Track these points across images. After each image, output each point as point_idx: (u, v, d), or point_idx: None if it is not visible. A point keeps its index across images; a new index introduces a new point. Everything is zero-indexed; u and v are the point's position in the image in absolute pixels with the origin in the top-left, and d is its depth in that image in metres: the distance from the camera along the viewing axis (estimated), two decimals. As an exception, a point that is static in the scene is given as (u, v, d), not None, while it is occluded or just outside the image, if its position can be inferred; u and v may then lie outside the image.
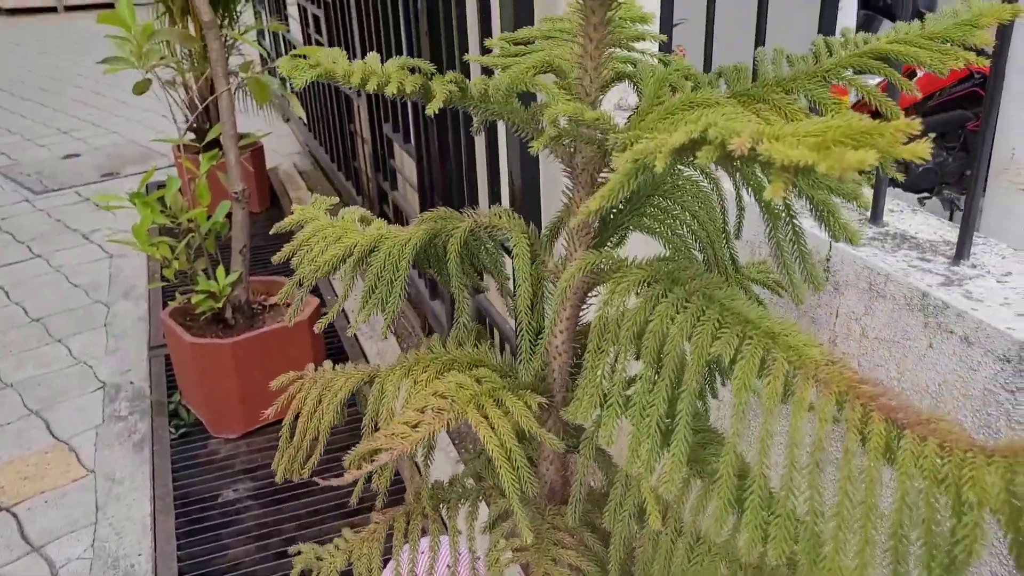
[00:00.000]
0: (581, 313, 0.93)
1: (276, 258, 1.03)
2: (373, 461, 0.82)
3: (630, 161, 0.61)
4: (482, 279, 1.07)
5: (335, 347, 3.12)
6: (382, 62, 2.61)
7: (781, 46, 0.91)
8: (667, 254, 0.93)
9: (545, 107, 0.74)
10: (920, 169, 4.00)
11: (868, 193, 1.47)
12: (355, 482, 0.92)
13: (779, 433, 1.41)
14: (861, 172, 0.51)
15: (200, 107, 3.86)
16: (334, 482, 0.78)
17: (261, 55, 3.75)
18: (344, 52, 0.84)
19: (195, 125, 4.16)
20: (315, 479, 0.91)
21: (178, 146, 4.13)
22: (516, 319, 0.89)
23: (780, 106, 0.82)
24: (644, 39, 0.98)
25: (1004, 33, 1.04)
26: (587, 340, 0.82)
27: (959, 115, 3.99)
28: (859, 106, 3.81)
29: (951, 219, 4.11)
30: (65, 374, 3.05)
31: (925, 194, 4.13)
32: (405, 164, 3.37)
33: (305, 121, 5.16)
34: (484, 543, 1.16)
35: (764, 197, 0.70)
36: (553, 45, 0.98)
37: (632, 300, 0.83)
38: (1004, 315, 1.14)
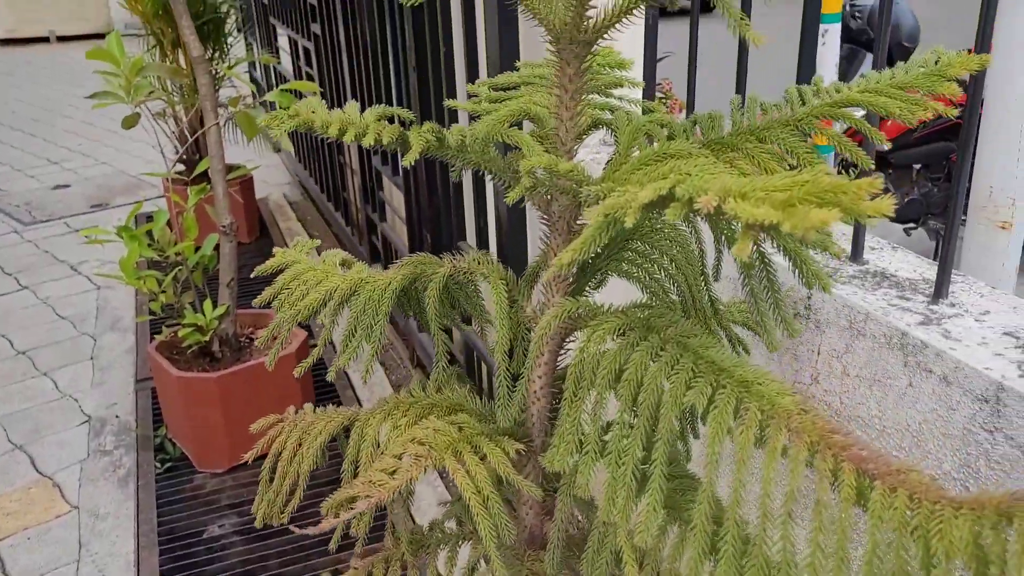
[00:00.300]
0: (560, 358, 0.93)
1: (257, 301, 1.03)
2: (352, 508, 0.82)
3: (601, 216, 0.62)
4: (469, 323, 1.07)
5: (323, 379, 3.12)
6: (371, 94, 2.61)
7: (755, 94, 0.92)
8: (645, 299, 0.93)
9: (521, 158, 0.75)
10: (906, 200, 4.04)
11: (849, 230, 1.48)
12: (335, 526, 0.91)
13: (757, 479, 1.42)
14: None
15: (190, 139, 3.88)
16: (311, 531, 0.78)
17: (252, 88, 3.79)
18: (323, 102, 0.85)
19: (185, 157, 4.18)
20: (291, 527, 0.91)
21: (167, 178, 4.15)
22: (489, 371, 0.90)
23: (753, 155, 0.83)
24: (622, 85, 0.99)
25: (976, 81, 1.06)
26: (564, 387, 0.82)
27: (943, 147, 4.04)
28: (849, 132, 3.85)
29: (937, 249, 4.14)
30: (50, 408, 3.03)
31: (911, 224, 4.17)
32: (394, 196, 3.38)
33: (295, 152, 5.19)
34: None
35: (732, 253, 0.71)
36: (532, 91, 0.99)
37: (609, 343, 0.83)
38: (981, 355, 1.14)
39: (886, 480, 0.64)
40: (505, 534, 0.82)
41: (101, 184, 5.60)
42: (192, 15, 3.07)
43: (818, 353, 1.38)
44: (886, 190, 4.10)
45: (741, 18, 0.66)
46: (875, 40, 1.21)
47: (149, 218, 3.11)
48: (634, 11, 0.78)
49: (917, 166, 4.11)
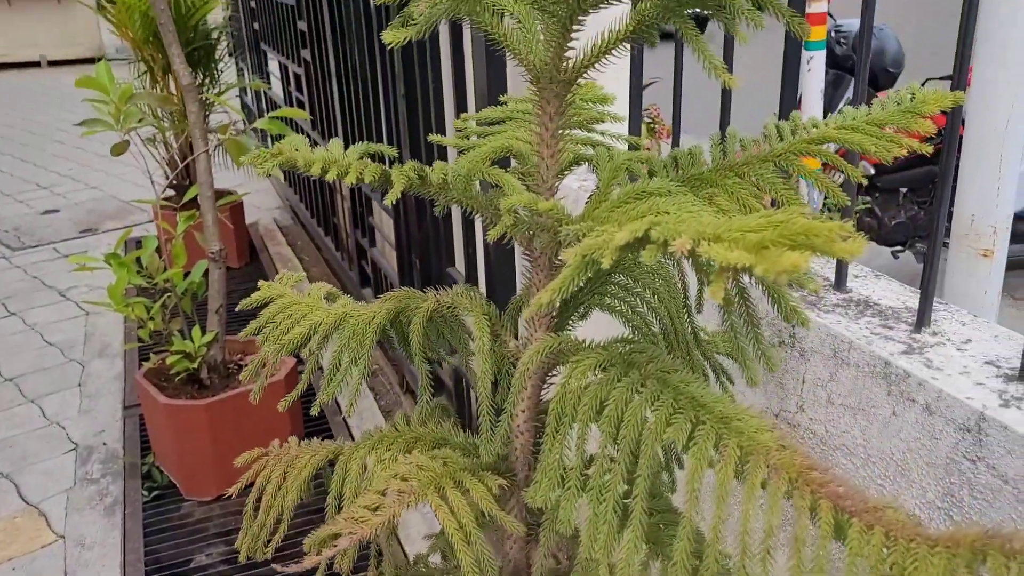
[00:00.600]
0: (543, 392, 0.94)
1: (243, 335, 1.03)
2: (335, 545, 0.82)
3: (579, 256, 0.63)
4: (454, 353, 1.08)
5: (310, 402, 3.10)
6: (361, 120, 2.62)
7: (734, 129, 0.93)
8: (628, 332, 0.94)
9: (502, 195, 0.76)
10: (893, 223, 4.07)
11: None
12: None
13: (738, 513, 1.42)
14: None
15: (180, 166, 3.88)
16: (293, 568, 0.78)
17: (242, 115, 3.80)
18: (306, 141, 0.86)
19: (175, 182, 4.18)
20: (275, 566, 0.91)
21: (156, 204, 4.15)
22: (479, 402, 0.90)
23: (732, 191, 0.84)
24: (604, 120, 1.00)
25: (953, 114, 1.08)
26: (546, 421, 0.83)
27: (929, 170, 4.07)
28: (842, 152, 3.88)
29: (924, 272, 4.16)
30: (37, 435, 3.01)
31: (899, 247, 4.20)
32: (384, 222, 3.39)
33: (284, 177, 5.20)
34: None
35: (708, 295, 0.72)
36: (516, 127, 1.00)
37: (591, 377, 0.84)
38: (963, 384, 1.15)
39: (863, 517, 0.65)
40: (488, 569, 0.82)
41: (91, 209, 5.60)
42: (182, 41, 3.09)
43: (803, 381, 1.38)
44: (872, 213, 4.13)
45: (717, 64, 0.68)
46: (857, 62, 1.23)
47: (138, 243, 3.11)
48: (613, 51, 0.79)
49: (904, 189, 4.14)
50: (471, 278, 2.34)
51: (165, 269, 2.69)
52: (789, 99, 1.45)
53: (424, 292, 1.02)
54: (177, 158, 4.09)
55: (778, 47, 1.35)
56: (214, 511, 2.58)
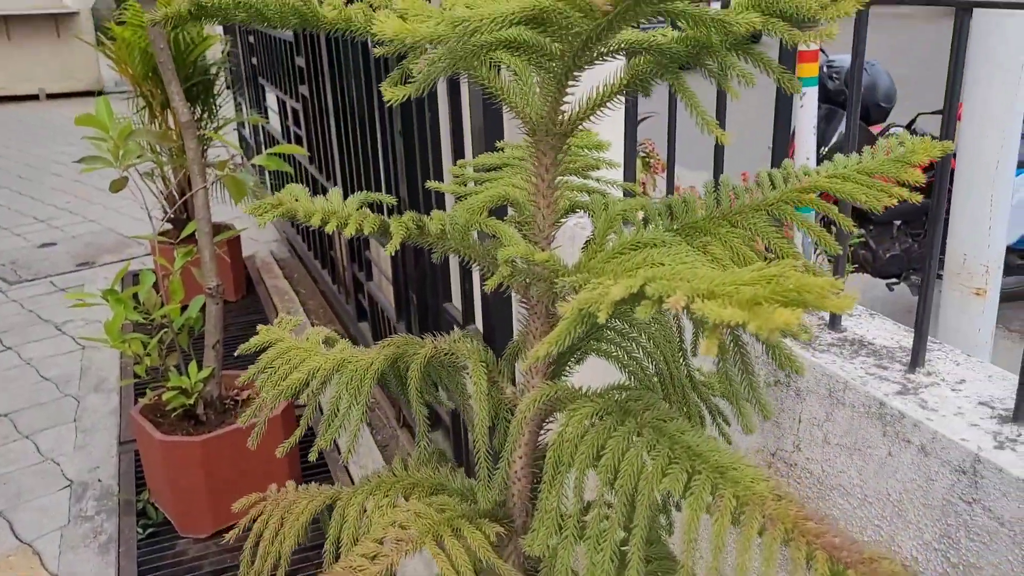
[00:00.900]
0: (539, 437, 0.94)
1: (241, 380, 1.04)
2: (332, 593, 0.82)
3: (575, 310, 0.64)
4: (451, 397, 1.08)
5: (308, 441, 3.10)
6: (358, 156, 2.63)
7: (727, 177, 0.95)
8: (624, 378, 0.95)
9: (499, 245, 0.77)
10: (887, 256, 4.09)
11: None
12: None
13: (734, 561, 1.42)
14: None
15: (179, 200, 3.90)
16: (291, 619, 0.78)
17: (240, 151, 3.82)
18: (306, 188, 0.87)
19: (173, 216, 4.20)
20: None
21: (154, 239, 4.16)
22: (474, 445, 0.91)
23: (725, 239, 0.85)
24: (599, 167, 1.02)
25: (943, 165, 1.09)
26: (544, 469, 0.83)
27: (923, 203, 4.10)
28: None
29: (918, 313, 4.18)
30: (32, 471, 3.00)
31: (893, 280, 4.22)
32: (381, 256, 3.41)
33: (283, 209, 5.20)
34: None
35: (700, 352, 0.73)
36: (513, 173, 1.01)
37: (588, 424, 0.84)
38: (958, 425, 1.16)
39: (859, 569, 0.65)
40: (486, 618, 0.82)
41: (88, 242, 5.61)
42: (181, 78, 3.12)
43: (799, 421, 1.39)
44: (867, 245, 4.15)
45: (710, 120, 0.69)
46: (849, 98, 1.25)
47: (135, 277, 3.11)
48: (608, 104, 0.81)
49: (897, 222, 4.17)
50: (468, 313, 2.35)
51: (162, 305, 2.70)
52: (782, 136, 1.47)
53: (422, 336, 1.03)
54: (175, 193, 4.11)
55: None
56: (209, 549, 2.56)
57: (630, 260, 0.74)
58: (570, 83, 0.76)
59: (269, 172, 5.39)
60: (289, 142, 4.64)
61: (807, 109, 3.29)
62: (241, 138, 6.53)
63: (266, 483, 1.14)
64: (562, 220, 0.89)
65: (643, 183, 3.53)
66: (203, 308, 2.72)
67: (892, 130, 4.09)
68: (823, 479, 1.36)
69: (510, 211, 0.95)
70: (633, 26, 0.72)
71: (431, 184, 1.06)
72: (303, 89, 4.00)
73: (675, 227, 0.88)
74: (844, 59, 4.25)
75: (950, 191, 1.88)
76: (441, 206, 2.38)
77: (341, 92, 3.34)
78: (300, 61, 3.92)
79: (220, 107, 4.45)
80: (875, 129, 4.15)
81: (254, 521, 1.06)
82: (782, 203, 0.86)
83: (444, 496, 0.92)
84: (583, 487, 0.82)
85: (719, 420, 1.12)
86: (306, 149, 4.13)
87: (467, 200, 0.87)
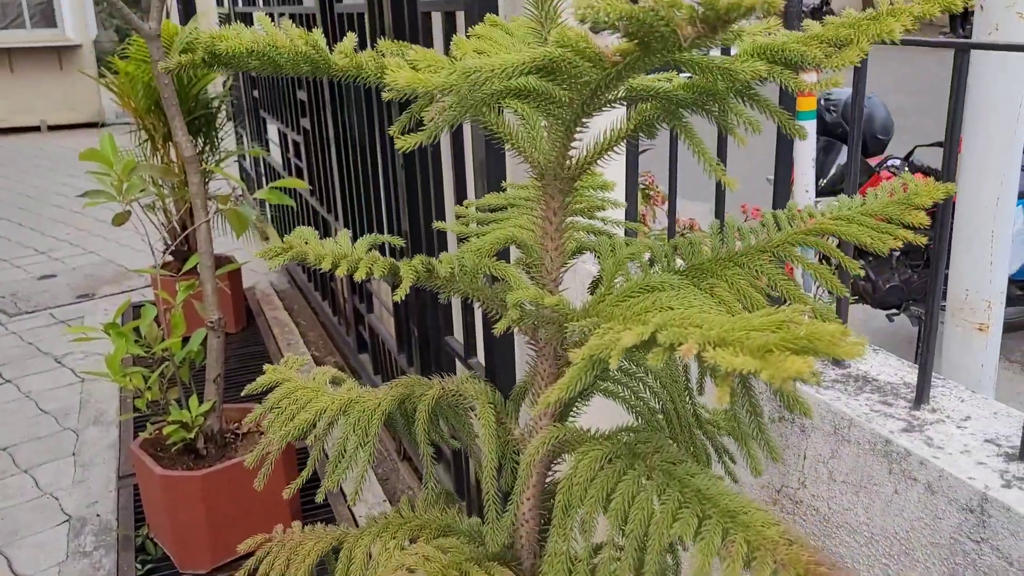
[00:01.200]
0: (547, 479, 0.94)
1: (248, 420, 1.04)
2: (339, 638, 0.81)
3: (586, 357, 0.64)
4: (456, 438, 1.08)
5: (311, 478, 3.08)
6: (359, 189, 2.64)
7: (732, 218, 0.96)
8: (631, 419, 0.95)
9: (508, 289, 0.78)
10: (887, 287, 4.10)
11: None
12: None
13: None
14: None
15: (181, 234, 3.91)
16: (299, 665, 0.77)
17: (242, 184, 3.83)
18: (316, 232, 0.88)
19: (174, 248, 4.21)
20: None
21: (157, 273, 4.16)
22: (482, 485, 0.91)
23: (732, 281, 0.86)
24: (605, 208, 1.02)
25: (945, 203, 1.10)
26: (552, 508, 0.83)
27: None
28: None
29: (919, 334, 4.18)
30: (30, 506, 2.98)
31: (893, 311, 4.22)
32: (381, 287, 3.41)
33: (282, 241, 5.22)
34: None
35: (713, 401, 0.73)
36: (519, 214, 1.02)
37: (597, 467, 0.84)
38: (964, 463, 1.16)
39: (872, 615, 0.65)
40: (495, 664, 0.81)
41: (88, 274, 5.61)
42: (184, 111, 3.14)
43: (804, 458, 1.39)
44: (866, 277, 4.16)
45: (716, 163, 0.70)
46: (849, 134, 1.26)
47: (135, 310, 3.11)
48: (615, 147, 0.82)
49: (897, 253, 4.18)
50: (469, 347, 2.35)
51: (163, 338, 2.70)
52: (783, 172, 1.48)
53: (424, 370, 1.03)
54: (177, 226, 4.13)
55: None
56: (208, 585, 2.54)
57: (639, 304, 0.74)
58: (578, 129, 0.77)
59: (270, 205, 5.41)
60: (290, 174, 4.66)
61: (805, 142, 3.31)
62: (242, 170, 6.56)
63: (267, 518, 1.14)
64: (569, 261, 0.89)
65: (643, 215, 3.55)
66: (204, 340, 2.72)
67: (890, 162, 4.11)
68: (829, 516, 1.35)
69: (517, 252, 0.96)
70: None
71: (438, 224, 1.07)
72: (305, 122, 4.03)
73: (681, 269, 0.89)
74: (841, 92, 4.28)
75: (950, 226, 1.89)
76: (444, 240, 2.39)
77: (343, 125, 3.36)
78: (302, 95, 3.95)
79: (222, 140, 4.48)
80: (873, 161, 4.18)
81: (260, 562, 1.05)
82: (787, 244, 0.87)
83: (452, 538, 0.91)
84: (592, 530, 0.82)
85: (725, 459, 1.12)
86: (307, 182, 4.15)
87: (475, 242, 0.88)
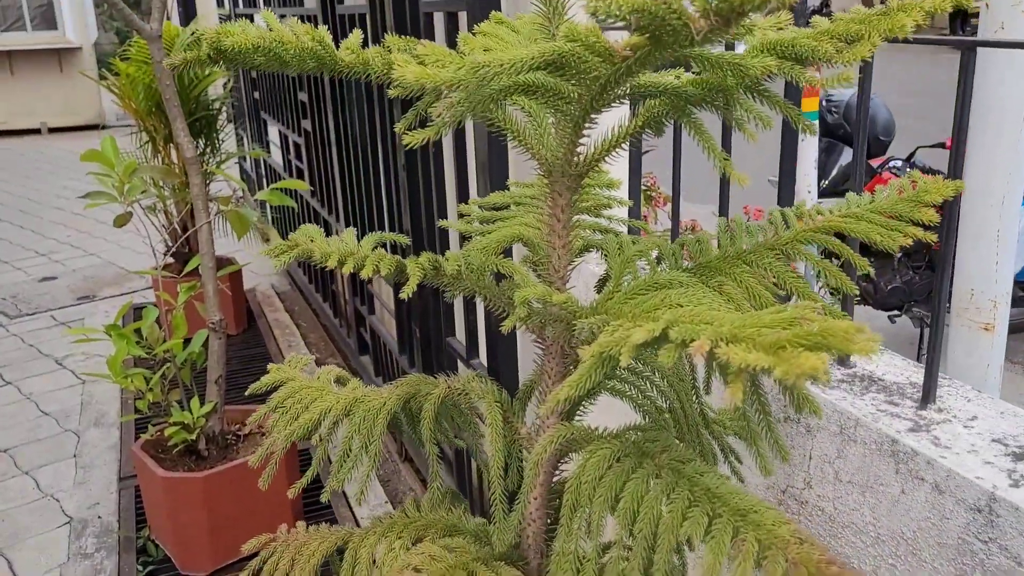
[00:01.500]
0: (555, 478, 0.94)
1: (252, 419, 1.03)
2: (345, 639, 0.81)
3: (596, 354, 0.63)
4: (461, 437, 1.07)
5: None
6: (361, 190, 2.63)
7: (739, 217, 0.95)
8: (638, 417, 0.94)
9: (515, 287, 0.77)
10: (889, 288, 4.09)
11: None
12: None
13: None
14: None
15: (182, 235, 3.91)
16: (305, 666, 0.77)
17: (243, 185, 3.82)
18: (321, 230, 0.87)
19: (175, 249, 4.20)
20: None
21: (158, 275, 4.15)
22: (489, 485, 0.90)
23: (740, 279, 0.85)
24: (611, 206, 1.02)
25: (952, 202, 1.10)
26: (560, 507, 0.82)
27: (924, 235, 4.11)
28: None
29: (921, 336, 4.17)
30: (30, 508, 2.97)
31: (895, 312, 4.21)
32: (383, 289, 3.40)
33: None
34: None
35: (725, 399, 0.73)
36: (524, 212, 1.02)
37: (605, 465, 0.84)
38: (971, 463, 1.15)
39: (885, 615, 0.64)
40: (502, 664, 0.81)
41: (89, 276, 5.61)
42: (185, 112, 3.14)
43: (810, 458, 1.38)
44: (868, 277, 4.16)
45: (725, 158, 0.69)
46: (853, 134, 1.26)
47: (136, 311, 3.10)
48: (622, 144, 0.81)
49: (899, 254, 4.18)
50: (471, 347, 2.34)
51: (165, 339, 2.69)
52: (788, 172, 1.48)
53: (426, 371, 1.03)
54: (178, 227, 4.12)
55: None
56: (210, 587, 2.53)
57: (648, 301, 0.73)
58: (586, 125, 0.77)
59: (271, 206, 5.40)
60: (291, 175, 4.65)
61: (808, 142, 3.31)
62: (242, 172, 6.56)
63: (269, 520, 1.13)
64: (576, 259, 0.89)
65: (645, 216, 3.54)
66: (206, 342, 2.71)
67: (891, 163, 4.11)
68: (835, 517, 1.35)
69: (522, 250, 0.95)
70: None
71: (443, 222, 1.06)
72: (305, 123, 4.02)
73: (689, 266, 0.88)
74: (843, 94, 4.28)
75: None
76: (446, 240, 2.38)
77: (344, 126, 3.36)
78: (303, 96, 3.95)
79: (223, 141, 4.47)
80: (874, 162, 4.18)
81: (264, 562, 1.05)
82: (796, 243, 0.87)
83: (458, 538, 0.91)
84: (599, 529, 0.82)
85: (731, 458, 1.12)
86: (308, 183, 4.15)
87: (481, 240, 0.87)
